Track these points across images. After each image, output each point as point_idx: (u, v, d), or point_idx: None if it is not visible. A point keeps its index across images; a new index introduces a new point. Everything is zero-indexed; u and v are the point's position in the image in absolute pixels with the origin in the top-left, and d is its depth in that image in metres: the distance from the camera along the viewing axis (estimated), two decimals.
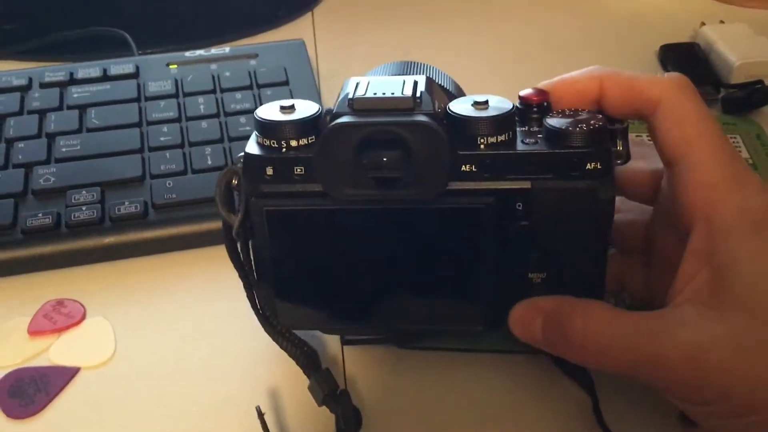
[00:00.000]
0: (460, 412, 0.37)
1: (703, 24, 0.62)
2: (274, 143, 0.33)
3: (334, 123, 0.32)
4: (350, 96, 0.32)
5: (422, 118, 0.32)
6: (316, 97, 0.54)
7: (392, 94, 0.32)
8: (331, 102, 0.54)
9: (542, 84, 0.35)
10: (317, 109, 0.33)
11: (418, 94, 0.32)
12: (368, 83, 0.33)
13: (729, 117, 0.55)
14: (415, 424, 0.37)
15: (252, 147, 0.33)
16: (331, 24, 0.69)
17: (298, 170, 0.33)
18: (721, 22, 0.63)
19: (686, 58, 0.60)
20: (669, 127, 0.33)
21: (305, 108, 0.33)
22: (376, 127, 0.32)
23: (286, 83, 0.54)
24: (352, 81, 0.34)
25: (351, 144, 0.32)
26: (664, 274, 0.35)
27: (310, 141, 0.33)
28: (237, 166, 0.34)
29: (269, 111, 0.33)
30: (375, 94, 0.32)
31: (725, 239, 0.31)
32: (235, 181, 0.34)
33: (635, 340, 0.31)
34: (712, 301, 0.30)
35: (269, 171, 0.33)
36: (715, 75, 0.58)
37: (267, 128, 0.33)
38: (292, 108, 0.33)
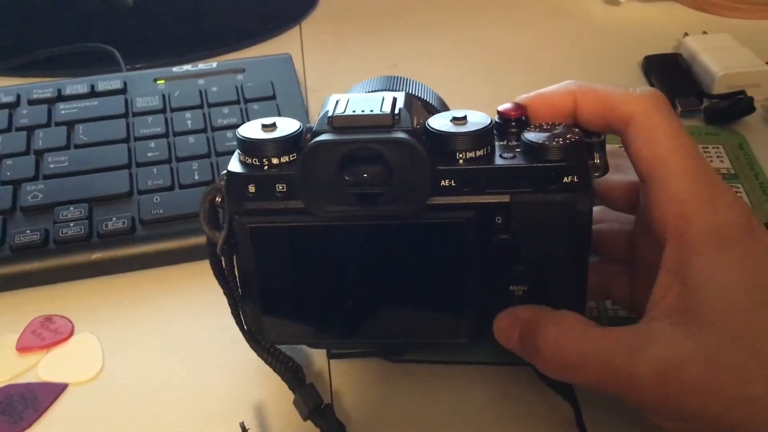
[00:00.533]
0: (446, 424, 0.37)
1: (686, 35, 0.63)
2: (256, 161, 0.33)
3: (313, 141, 0.32)
4: (330, 114, 0.33)
5: (400, 134, 0.32)
6: (303, 111, 0.55)
7: (371, 111, 0.33)
8: (317, 115, 0.55)
9: (519, 98, 0.36)
10: (298, 126, 0.34)
11: (396, 111, 0.33)
12: (348, 100, 0.34)
13: (712, 127, 0.55)
14: None
15: (234, 165, 0.34)
16: (318, 36, 0.70)
17: (280, 188, 0.33)
18: (704, 32, 0.63)
19: (669, 69, 0.61)
20: (641, 143, 0.33)
21: (286, 126, 0.34)
22: (355, 145, 0.32)
23: (273, 98, 0.55)
24: (333, 98, 0.34)
25: (331, 161, 0.32)
26: (648, 282, 0.36)
27: (291, 158, 0.33)
28: (220, 183, 0.34)
29: (251, 129, 0.34)
30: (354, 111, 0.33)
31: (696, 255, 0.31)
32: (218, 199, 0.35)
33: (607, 355, 0.31)
34: (684, 316, 0.31)
35: (251, 189, 0.33)
36: (698, 85, 0.58)
37: (248, 146, 0.33)
38: (273, 126, 0.34)
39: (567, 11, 0.72)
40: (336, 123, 0.33)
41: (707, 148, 0.53)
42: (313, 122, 0.34)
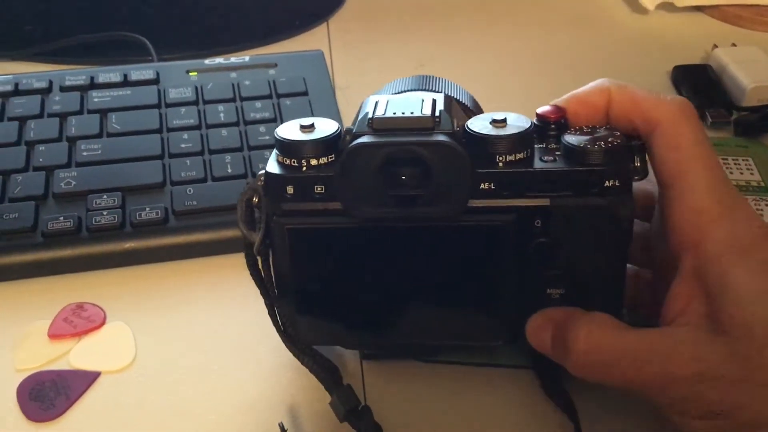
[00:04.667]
0: (480, 426, 0.37)
1: (715, 46, 0.63)
2: (294, 162, 0.33)
3: (354, 143, 0.32)
4: (370, 115, 0.33)
5: (442, 137, 0.32)
6: (335, 108, 0.55)
7: (411, 113, 0.33)
8: (346, 112, 0.55)
9: (554, 101, 0.36)
10: (337, 128, 0.34)
11: (437, 113, 0.33)
12: (387, 102, 0.34)
13: (741, 140, 0.55)
14: None
15: (272, 166, 0.34)
16: (346, 35, 0.69)
17: (319, 189, 0.33)
18: (733, 44, 0.63)
19: (699, 80, 0.61)
20: (664, 150, 0.33)
21: (325, 127, 0.34)
22: (396, 147, 0.32)
23: (305, 94, 0.55)
24: (372, 99, 0.34)
25: (371, 164, 0.32)
26: (665, 288, 0.36)
27: (330, 160, 0.33)
28: (257, 183, 0.34)
29: (289, 130, 0.34)
30: (394, 113, 0.33)
31: (715, 265, 0.31)
32: (255, 199, 0.34)
33: (643, 356, 0.32)
34: (711, 325, 0.31)
35: (290, 190, 0.33)
36: (728, 97, 0.58)
37: (287, 147, 0.33)
38: (311, 127, 0.34)
39: (594, 18, 0.72)
40: (376, 125, 0.33)
41: (737, 160, 0.53)
42: (349, 123, 0.34)
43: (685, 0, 0.71)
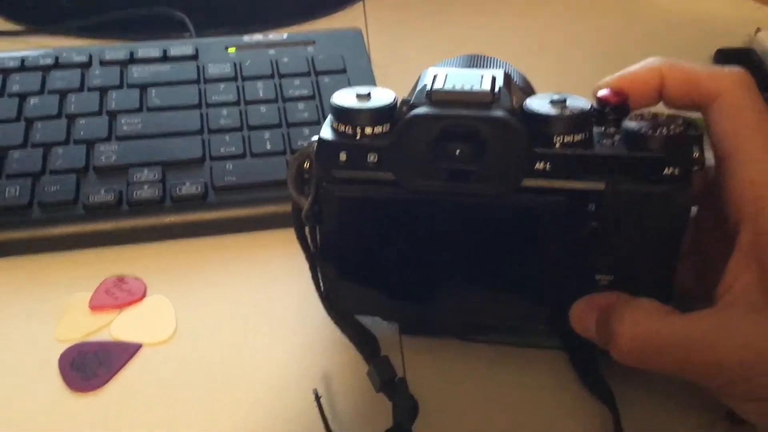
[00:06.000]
0: (518, 407, 0.37)
1: (758, 30, 0.62)
2: (349, 129, 0.33)
3: (412, 113, 0.32)
4: (429, 87, 0.33)
5: (500, 113, 0.32)
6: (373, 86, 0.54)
7: (471, 87, 0.32)
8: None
9: (604, 81, 0.35)
10: (393, 98, 0.34)
11: (496, 89, 0.32)
12: (446, 75, 0.33)
13: None
14: (471, 416, 0.37)
15: (326, 132, 0.34)
16: (382, 13, 0.69)
17: (372, 158, 0.33)
18: None
19: (742, 64, 0.58)
20: (724, 122, 0.33)
21: (382, 96, 0.34)
22: (454, 120, 0.32)
23: (343, 71, 0.54)
24: (431, 72, 0.34)
25: (427, 135, 0.32)
26: (714, 271, 0.35)
27: (384, 129, 0.33)
28: (310, 149, 0.34)
29: (345, 97, 0.34)
30: (454, 86, 0.33)
31: None
32: (307, 164, 0.34)
33: (690, 343, 0.31)
34: (763, 301, 0.31)
35: (342, 157, 0.33)
36: None
37: (343, 114, 0.33)
38: (368, 96, 0.34)
39: (635, 1, 0.71)
40: (435, 97, 0.32)
41: None
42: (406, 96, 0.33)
43: None
